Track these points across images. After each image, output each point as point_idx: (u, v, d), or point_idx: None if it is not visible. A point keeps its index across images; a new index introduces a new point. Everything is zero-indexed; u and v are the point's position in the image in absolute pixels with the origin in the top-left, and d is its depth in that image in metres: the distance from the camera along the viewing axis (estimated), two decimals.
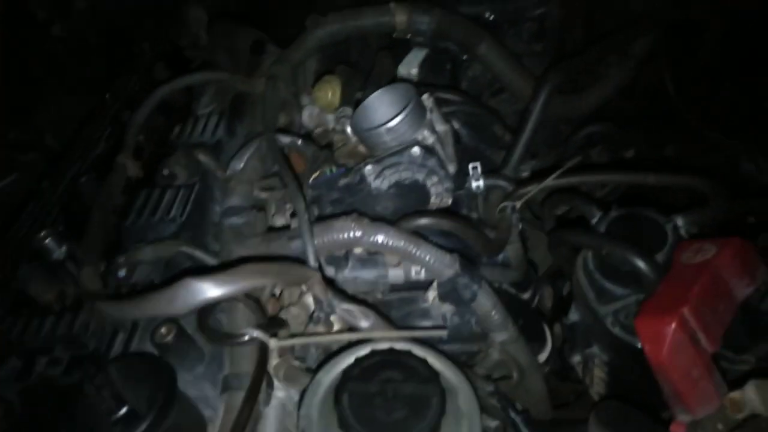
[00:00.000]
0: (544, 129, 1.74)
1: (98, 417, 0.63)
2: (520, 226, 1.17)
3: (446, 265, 0.90)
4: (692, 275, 0.76)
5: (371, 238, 0.89)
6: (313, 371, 0.78)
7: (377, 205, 1.06)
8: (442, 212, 1.02)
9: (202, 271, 0.69)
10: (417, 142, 1.03)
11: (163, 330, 0.75)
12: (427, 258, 0.89)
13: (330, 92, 1.32)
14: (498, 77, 1.39)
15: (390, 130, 1.05)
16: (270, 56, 1.35)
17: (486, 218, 1.21)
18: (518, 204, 1.11)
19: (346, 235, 0.88)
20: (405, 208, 1.07)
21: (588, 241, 0.90)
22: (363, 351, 0.76)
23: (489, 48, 1.35)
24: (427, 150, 1.03)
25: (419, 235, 0.96)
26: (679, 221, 0.91)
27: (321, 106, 1.33)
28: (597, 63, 1.38)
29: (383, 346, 0.76)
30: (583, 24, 1.65)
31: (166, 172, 1.06)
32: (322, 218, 1.00)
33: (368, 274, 1.00)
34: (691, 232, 0.92)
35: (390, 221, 0.95)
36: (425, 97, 1.15)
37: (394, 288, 1.02)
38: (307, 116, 1.34)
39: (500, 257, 1.10)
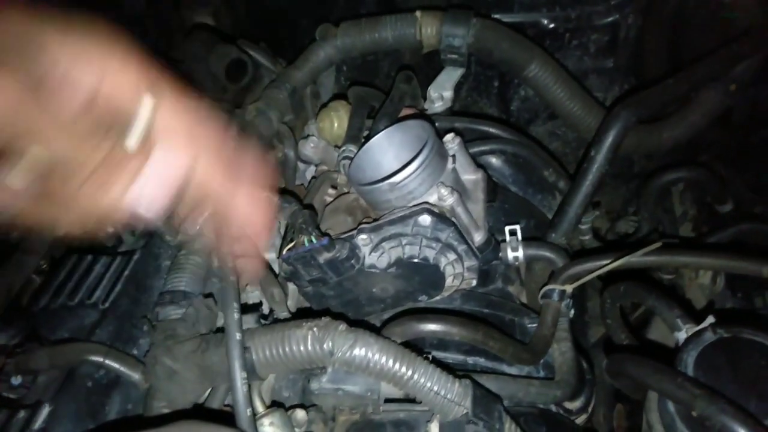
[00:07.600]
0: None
1: None
2: (572, 313, 0.87)
3: (453, 401, 0.62)
4: None
5: (346, 354, 0.62)
6: None
7: (374, 286, 0.79)
8: (451, 317, 0.73)
9: None
10: (426, 208, 0.75)
11: None
12: (426, 387, 0.62)
13: (335, 122, 1.05)
14: (552, 105, 1.08)
15: (394, 186, 0.77)
16: (265, 75, 1.10)
17: (530, 299, 0.93)
18: (569, 289, 0.82)
19: (305, 350, 0.62)
20: (411, 293, 0.80)
21: (667, 388, 0.59)
22: None
23: (540, 68, 1.04)
24: (440, 218, 0.75)
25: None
26: None
27: (326, 138, 1.08)
28: (688, 90, 1.05)
29: None
30: (667, 36, 1.31)
31: (110, 229, 0.83)
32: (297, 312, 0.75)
33: (354, 385, 0.73)
34: None
35: (375, 327, 0.68)
36: (449, 138, 0.86)
37: (389, 400, 0.75)
38: (311, 150, 1.08)
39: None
